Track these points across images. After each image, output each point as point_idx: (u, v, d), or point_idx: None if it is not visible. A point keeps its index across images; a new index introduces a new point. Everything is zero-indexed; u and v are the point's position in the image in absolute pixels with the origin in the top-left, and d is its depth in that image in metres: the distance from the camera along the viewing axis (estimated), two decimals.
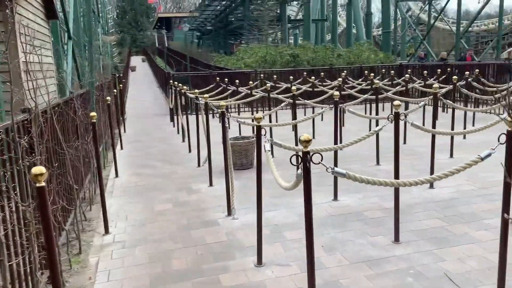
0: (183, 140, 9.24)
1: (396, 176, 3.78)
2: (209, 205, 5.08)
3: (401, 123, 3.90)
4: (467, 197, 4.94)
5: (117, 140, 8.81)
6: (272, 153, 6.54)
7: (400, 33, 32.20)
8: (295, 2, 46.54)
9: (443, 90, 5.76)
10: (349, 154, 7.12)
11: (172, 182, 6.15)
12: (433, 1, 28.55)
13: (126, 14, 66.40)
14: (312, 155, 2.37)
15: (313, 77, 10.08)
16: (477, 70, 9.78)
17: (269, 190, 5.50)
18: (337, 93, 4.81)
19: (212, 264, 3.61)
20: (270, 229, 4.27)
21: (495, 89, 8.57)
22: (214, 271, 3.49)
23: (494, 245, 3.67)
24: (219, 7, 38.81)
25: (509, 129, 2.55)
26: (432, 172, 5.40)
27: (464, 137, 8.33)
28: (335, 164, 5.02)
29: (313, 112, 8.24)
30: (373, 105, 11.28)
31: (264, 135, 3.35)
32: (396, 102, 3.53)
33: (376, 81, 6.31)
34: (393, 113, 3.61)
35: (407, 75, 8.61)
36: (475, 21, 34.32)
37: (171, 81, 11.51)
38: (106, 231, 4.35)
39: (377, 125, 6.47)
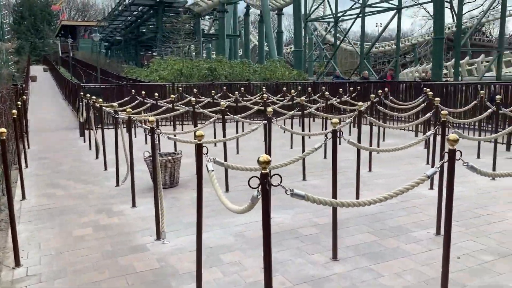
0: (97, 157, 8.61)
1: (334, 194, 3.78)
2: (135, 228, 4.70)
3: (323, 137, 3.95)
4: (392, 210, 5.13)
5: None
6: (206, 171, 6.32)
7: (308, 52, 33.71)
8: (207, 17, 46.76)
9: (363, 107, 6.02)
10: (275, 170, 7.12)
11: (89, 204, 5.63)
12: (338, 23, 30.32)
13: (24, 20, 61.67)
14: (272, 176, 2.23)
15: (237, 92, 10.01)
16: (386, 88, 10.52)
17: None
18: (270, 109, 4.76)
19: None
20: (205, 252, 4.03)
21: (404, 106, 9.24)
22: None
23: (424, 258, 3.82)
24: (129, 17, 37.58)
25: (451, 148, 2.64)
26: (357, 186, 5.56)
27: (378, 152, 8.82)
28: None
29: (237, 127, 8.15)
30: (295, 120, 11.55)
31: (206, 153, 3.14)
32: (334, 120, 3.55)
33: (302, 98, 6.42)
34: (331, 130, 3.62)
35: (326, 93, 8.94)
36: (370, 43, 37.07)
37: (82, 93, 10.74)
38: (17, 263, 3.80)
39: (303, 141, 6.56)
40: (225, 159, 6.21)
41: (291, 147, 9.19)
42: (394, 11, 23.96)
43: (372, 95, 8.19)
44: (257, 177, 2.27)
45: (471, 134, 9.43)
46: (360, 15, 24.73)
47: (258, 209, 5.19)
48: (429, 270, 3.57)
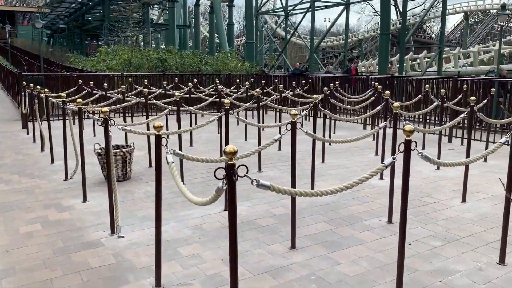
0: (43, 150, 8.21)
1: (293, 185, 3.82)
2: (87, 223, 4.53)
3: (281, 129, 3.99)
4: (345, 199, 5.28)
5: None
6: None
7: (259, 45, 33.85)
8: (156, 6, 45.62)
9: (318, 99, 6.14)
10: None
11: (36, 199, 5.36)
12: (289, 17, 30.60)
13: None
14: (238, 167, 2.21)
15: (190, 84, 9.85)
16: (337, 82, 10.78)
17: (152, 202, 5.15)
18: (227, 100, 4.73)
19: None
20: (163, 246, 3.93)
21: (354, 100, 9.51)
22: None
23: (377, 245, 3.96)
24: (74, 4, 35.92)
25: (407, 138, 2.74)
26: (313, 177, 5.66)
27: (330, 144, 9.05)
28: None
29: (191, 119, 8.04)
30: (249, 113, 11.56)
31: (166, 145, 3.07)
32: (293, 112, 3.58)
33: (258, 90, 6.43)
34: (290, 122, 3.65)
35: (281, 85, 9.03)
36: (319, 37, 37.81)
37: (24, 82, 10.17)
38: None
39: (259, 133, 6.59)
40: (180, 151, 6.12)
41: (245, 139, 9.20)
42: (343, 7, 24.51)
43: (325, 88, 8.36)
44: (223, 168, 2.25)
45: (416, 126, 9.86)
46: (310, 9, 25.09)
47: (219, 202, 5.17)
48: (383, 257, 3.71)
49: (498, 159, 7.54)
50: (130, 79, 12.01)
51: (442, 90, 7.31)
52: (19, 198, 5.37)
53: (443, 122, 7.39)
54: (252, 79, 13.68)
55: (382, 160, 6.18)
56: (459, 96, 8.46)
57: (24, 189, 5.75)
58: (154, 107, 10.65)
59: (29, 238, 4.13)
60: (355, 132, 10.54)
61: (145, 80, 11.78)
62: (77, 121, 10.50)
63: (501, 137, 3.92)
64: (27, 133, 10.17)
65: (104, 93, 8.85)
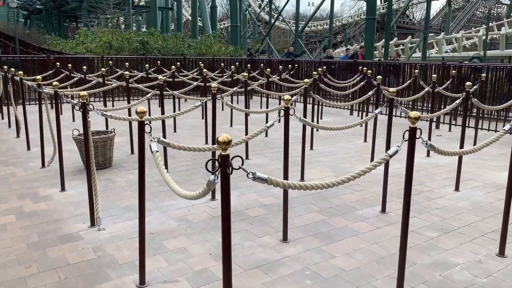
0: (18, 136, 7.83)
1: (286, 175, 3.61)
2: (65, 215, 4.26)
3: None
4: (336, 188, 5.10)
5: None
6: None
7: (243, 29, 33.36)
8: None
9: (308, 83, 5.92)
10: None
11: (10, 188, 5.05)
12: (273, 0, 30.13)
13: None
14: (232, 158, 1.98)
15: (173, 67, 9.49)
16: (325, 67, 10.58)
17: (135, 191, 4.90)
18: (214, 84, 4.47)
19: None
20: (147, 239, 3.70)
21: (342, 85, 9.32)
22: None
23: (372, 236, 3.80)
24: None
25: (412, 125, 2.55)
26: (303, 164, 5.47)
27: (317, 130, 8.88)
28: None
29: (174, 104, 7.75)
30: (234, 97, 11.28)
31: (149, 132, 2.82)
32: (286, 97, 3.36)
33: (245, 74, 6.16)
34: (283, 108, 3.42)
35: (268, 69, 8.77)
36: (303, 23, 37.42)
37: None
38: None
39: (246, 119, 6.35)
40: (164, 138, 5.85)
41: (231, 125, 8.95)
42: None
43: (314, 73, 8.14)
44: (215, 159, 2.02)
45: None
46: None
47: (195, 191, 4.97)
48: (379, 249, 3.55)
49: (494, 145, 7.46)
50: (110, 62, 11.58)
51: (434, 76, 7.17)
52: None
53: (435, 109, 7.27)
54: (237, 63, 13.38)
55: (373, 147, 6.03)
56: (447, 82, 8.34)
57: None
58: (136, 91, 10.28)
59: (1, 231, 3.85)
60: (342, 118, 10.38)
61: (126, 63, 11.37)
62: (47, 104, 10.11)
63: (490, 124, 3.78)
64: (2, 118, 9.73)
65: (83, 76, 8.45)
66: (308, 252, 3.48)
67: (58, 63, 10.48)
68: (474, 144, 4.76)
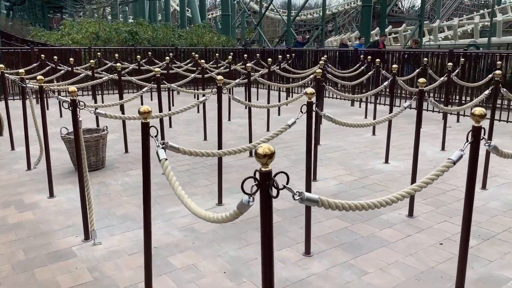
0: (1, 134, 7.28)
1: (308, 186, 3.17)
2: (55, 226, 3.77)
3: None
4: (353, 188, 4.69)
5: None
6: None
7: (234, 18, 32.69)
8: None
9: (320, 73, 5.50)
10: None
11: None
12: None
13: None
14: (275, 175, 1.53)
15: (167, 58, 8.93)
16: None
17: (132, 196, 4.43)
18: (220, 77, 3.99)
19: None
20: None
21: (348, 75, 8.89)
22: None
23: (404, 246, 3.39)
24: None
25: (476, 125, 2.11)
26: (315, 165, 5.03)
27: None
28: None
29: (169, 97, 7.23)
30: (235, 89, 10.81)
31: (156, 136, 2.35)
32: (309, 90, 2.91)
33: (249, 65, 5.67)
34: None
35: (269, 59, 8.29)
36: (293, 11, 36.78)
37: None
38: None
39: (250, 112, 5.88)
40: (162, 136, 5.38)
41: (229, 119, 8.47)
42: None
43: (321, 61, 7.68)
44: (254, 178, 1.56)
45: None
46: None
47: (200, 194, 4.49)
48: (415, 262, 3.13)
49: (500, 136, 7.11)
50: (99, 53, 10.98)
51: (449, 64, 6.74)
52: None
53: (452, 100, 6.87)
54: (231, 53, 12.85)
55: (388, 140, 5.61)
56: (456, 70, 7.94)
57: None
58: (127, 85, 9.73)
59: None
60: (343, 110, 9.96)
61: (116, 55, 10.78)
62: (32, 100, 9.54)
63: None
64: None
65: (70, 69, 7.88)
66: (336, 268, 3.05)
67: (43, 55, 9.87)
68: (490, 137, 4.37)
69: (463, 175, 5.08)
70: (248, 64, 5.67)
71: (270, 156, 1.47)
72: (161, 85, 4.99)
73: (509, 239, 3.49)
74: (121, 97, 5.67)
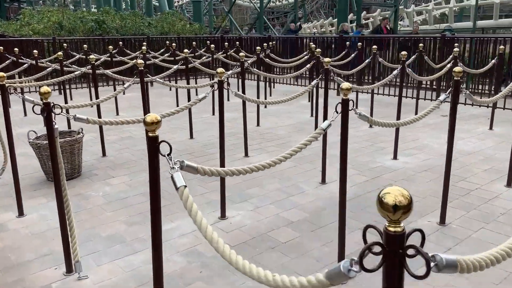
0: None
1: (343, 197, 2.64)
2: (28, 254, 3.11)
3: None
4: (368, 191, 4.20)
5: None
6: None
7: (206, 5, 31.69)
8: None
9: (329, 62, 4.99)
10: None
11: None
12: None
13: None
14: (409, 234, 0.98)
15: (143, 48, 8.15)
16: (237, 42, 10.02)
17: (118, 211, 3.80)
18: (221, 70, 3.38)
19: None
20: None
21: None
22: None
23: None
24: None
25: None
26: (324, 165, 4.52)
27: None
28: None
29: (144, 92, 6.52)
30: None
31: (169, 155, 1.75)
32: (345, 85, 2.37)
33: (241, 54, 5.05)
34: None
35: (258, 47, 7.68)
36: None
37: None
38: None
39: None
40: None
41: (213, 113, 7.85)
42: None
43: (313, 45, 7.15)
44: (380, 244, 1.01)
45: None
46: None
47: (202, 204, 3.90)
48: (469, 285, 2.66)
49: (501, 124, 6.80)
50: (65, 44, 10.06)
51: (456, 50, 6.34)
52: None
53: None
54: (208, 42, 12.13)
55: (397, 135, 5.15)
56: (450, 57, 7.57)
57: None
58: (100, 78, 8.91)
59: None
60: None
61: (85, 46, 9.92)
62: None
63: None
64: None
65: (34, 62, 7.04)
66: None
67: (1, 48, 8.91)
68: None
69: (481, 171, 4.70)
70: (241, 54, 5.07)
71: (407, 209, 0.91)
72: (146, 78, 4.33)
73: None
74: (97, 94, 4.96)
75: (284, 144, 5.87)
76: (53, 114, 2.63)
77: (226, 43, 10.85)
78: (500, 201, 3.92)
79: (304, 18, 50.31)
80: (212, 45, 9.26)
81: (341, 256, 2.78)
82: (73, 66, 6.87)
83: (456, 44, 7.87)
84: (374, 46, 7.13)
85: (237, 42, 11.37)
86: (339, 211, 2.77)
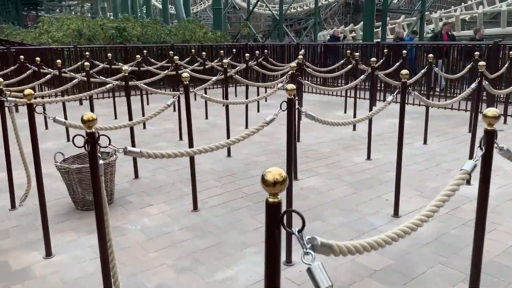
0: None
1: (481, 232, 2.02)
2: None
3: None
4: (452, 228, 3.56)
5: None
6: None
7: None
8: None
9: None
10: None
11: None
12: None
13: None
14: None
15: (176, 57, 7.61)
16: (266, 50, 9.61)
17: (162, 251, 3.20)
18: (292, 86, 2.79)
19: None
20: None
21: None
22: None
23: None
24: None
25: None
26: (397, 193, 3.89)
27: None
28: None
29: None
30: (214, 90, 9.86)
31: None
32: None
33: (292, 65, 4.43)
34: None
35: (301, 54, 7.14)
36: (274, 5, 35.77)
37: None
38: None
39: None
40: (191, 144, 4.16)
41: (206, 117, 7.28)
42: None
43: (357, 53, 6.49)
44: None
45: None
46: None
47: (259, 252, 3.27)
48: None
49: None
50: (87, 53, 9.61)
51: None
52: None
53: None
54: (234, 50, 11.62)
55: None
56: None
57: None
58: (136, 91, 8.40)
59: None
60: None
61: (109, 54, 9.45)
62: (21, 113, 8.16)
63: None
64: None
65: (57, 72, 6.53)
66: None
67: (22, 57, 8.47)
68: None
69: None
70: (292, 64, 4.49)
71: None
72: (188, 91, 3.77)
73: None
74: (130, 109, 4.41)
75: (334, 165, 5.25)
76: (98, 146, 2.07)
77: (257, 52, 10.29)
78: None
79: (317, 25, 49.91)
80: (247, 54, 8.69)
81: None
82: (100, 77, 6.36)
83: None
84: (430, 55, 6.51)
85: (266, 51, 10.82)
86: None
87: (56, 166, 3.94)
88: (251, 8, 28.67)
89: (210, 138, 6.47)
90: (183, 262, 3.06)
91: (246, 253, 3.16)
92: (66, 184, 4.04)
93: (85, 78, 5.67)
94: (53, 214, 3.89)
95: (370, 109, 5.35)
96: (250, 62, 8.45)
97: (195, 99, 8.63)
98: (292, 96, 2.73)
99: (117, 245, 3.32)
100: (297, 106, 2.63)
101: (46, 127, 7.50)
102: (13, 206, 4.09)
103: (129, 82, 4.57)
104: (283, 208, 1.24)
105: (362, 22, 21.41)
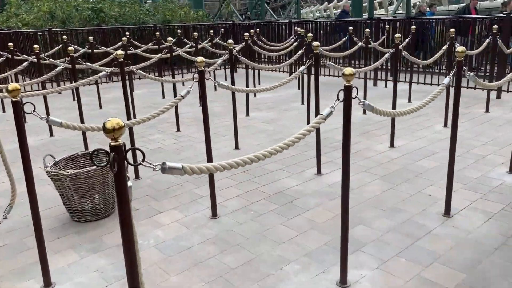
0: None
1: None
2: None
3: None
4: (509, 228, 3.13)
5: None
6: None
7: None
8: None
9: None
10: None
11: None
12: None
13: None
14: None
15: (170, 38, 6.87)
16: (258, 29, 9.13)
17: (185, 273, 2.66)
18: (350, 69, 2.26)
19: None
20: None
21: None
22: None
23: None
24: None
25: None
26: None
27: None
28: None
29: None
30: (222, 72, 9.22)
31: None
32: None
33: (316, 44, 3.87)
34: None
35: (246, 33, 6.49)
36: None
37: None
38: None
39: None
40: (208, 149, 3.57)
41: (200, 105, 6.69)
42: None
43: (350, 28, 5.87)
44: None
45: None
46: None
47: (316, 265, 2.69)
48: None
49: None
50: (64, 36, 8.75)
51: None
52: None
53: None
54: (222, 29, 10.93)
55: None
56: None
57: None
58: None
59: None
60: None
61: (90, 38, 8.66)
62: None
63: None
64: None
65: (35, 59, 5.73)
66: None
67: None
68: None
69: None
70: (315, 43, 3.93)
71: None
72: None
73: None
74: (132, 100, 3.77)
75: (356, 155, 4.75)
76: (126, 164, 1.49)
77: (252, 31, 9.59)
78: None
79: (297, 3, 49.03)
80: (246, 33, 8.02)
81: None
82: (86, 63, 5.63)
83: None
84: (452, 30, 6.00)
85: (258, 30, 10.16)
86: None
87: (47, 173, 3.32)
88: None
89: (213, 129, 5.87)
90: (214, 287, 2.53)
91: (288, 272, 2.65)
92: (60, 192, 3.42)
93: (69, 66, 4.95)
94: (46, 228, 3.26)
95: (394, 91, 4.85)
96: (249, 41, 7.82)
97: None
98: (351, 84, 2.19)
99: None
100: (356, 95, 2.08)
101: (25, 120, 6.77)
102: None
103: (124, 68, 3.91)
104: None
105: None
